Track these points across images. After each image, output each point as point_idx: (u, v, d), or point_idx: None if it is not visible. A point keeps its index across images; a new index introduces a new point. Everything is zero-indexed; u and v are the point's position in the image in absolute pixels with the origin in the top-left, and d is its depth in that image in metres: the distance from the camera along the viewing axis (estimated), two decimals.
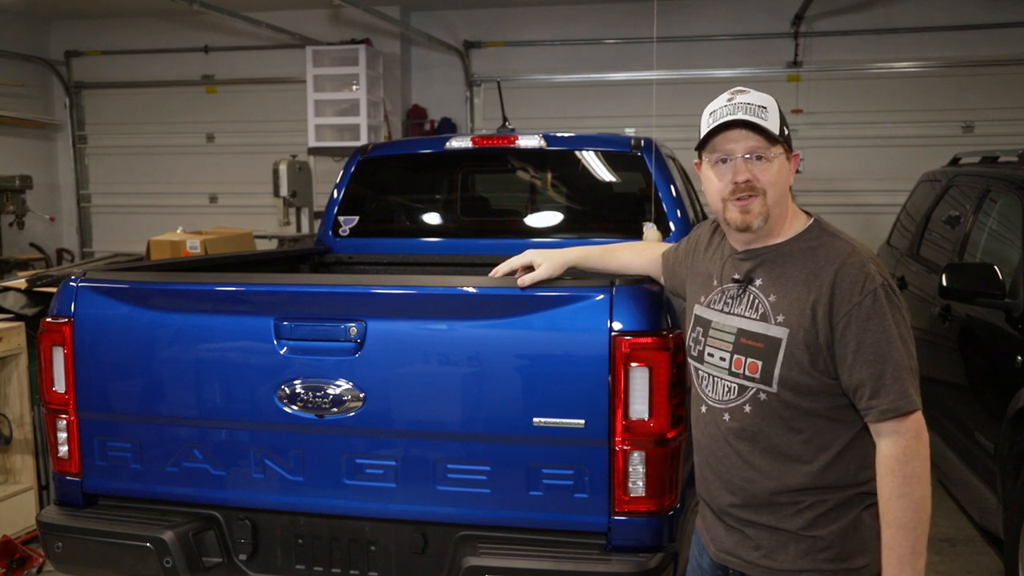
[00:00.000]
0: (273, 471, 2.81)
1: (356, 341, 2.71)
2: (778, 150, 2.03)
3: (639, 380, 2.65)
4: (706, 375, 2.16)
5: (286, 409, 2.75)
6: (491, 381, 2.64)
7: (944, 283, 4.33)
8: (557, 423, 2.59)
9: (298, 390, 2.73)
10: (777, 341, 1.99)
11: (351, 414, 2.71)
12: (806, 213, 2.15)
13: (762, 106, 2.03)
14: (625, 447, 2.66)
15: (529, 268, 2.67)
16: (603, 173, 4.89)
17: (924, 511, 1.90)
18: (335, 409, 2.71)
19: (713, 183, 2.09)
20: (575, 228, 4.88)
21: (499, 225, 5.13)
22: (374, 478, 2.74)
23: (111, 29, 9.85)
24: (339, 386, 2.71)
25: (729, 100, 2.06)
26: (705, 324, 2.18)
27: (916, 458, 1.90)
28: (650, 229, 4.23)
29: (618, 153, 4.76)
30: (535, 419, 2.60)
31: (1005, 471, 3.91)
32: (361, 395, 2.70)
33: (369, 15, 8.03)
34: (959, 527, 5.03)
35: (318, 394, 2.71)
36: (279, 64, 9.33)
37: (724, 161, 2.06)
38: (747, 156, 2.03)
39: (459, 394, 2.68)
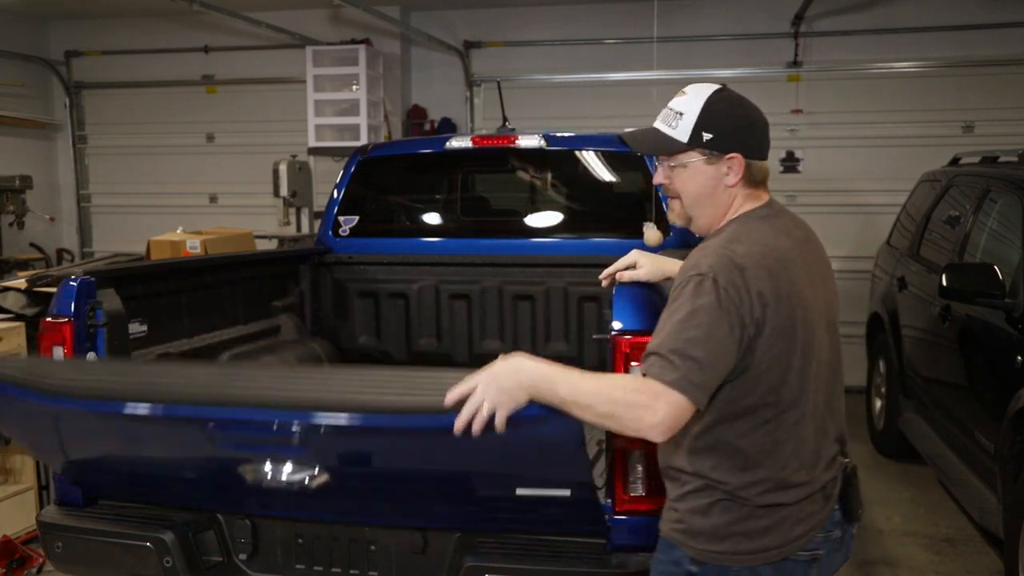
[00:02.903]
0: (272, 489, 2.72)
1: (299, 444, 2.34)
2: (689, 156, 2.13)
3: None
4: None
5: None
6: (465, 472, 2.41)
7: (944, 283, 4.33)
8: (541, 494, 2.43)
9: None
10: None
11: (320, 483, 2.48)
12: (763, 204, 2.17)
13: (679, 112, 2.14)
14: (625, 447, 2.67)
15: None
16: (603, 173, 4.89)
17: (586, 402, 1.90)
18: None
19: None
20: (575, 228, 4.89)
21: (499, 225, 5.14)
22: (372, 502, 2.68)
23: (111, 29, 9.84)
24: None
25: (669, 101, 2.19)
26: None
27: (628, 397, 1.88)
28: (650, 229, 4.22)
29: (618, 153, 4.77)
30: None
31: (1005, 471, 3.91)
32: (324, 477, 2.47)
33: (369, 15, 8.02)
34: (959, 527, 5.03)
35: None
36: (279, 64, 9.33)
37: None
38: (660, 161, 2.19)
39: (433, 486, 2.47)
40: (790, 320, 2.01)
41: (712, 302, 1.93)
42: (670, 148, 2.14)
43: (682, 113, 2.13)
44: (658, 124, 2.17)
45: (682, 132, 2.12)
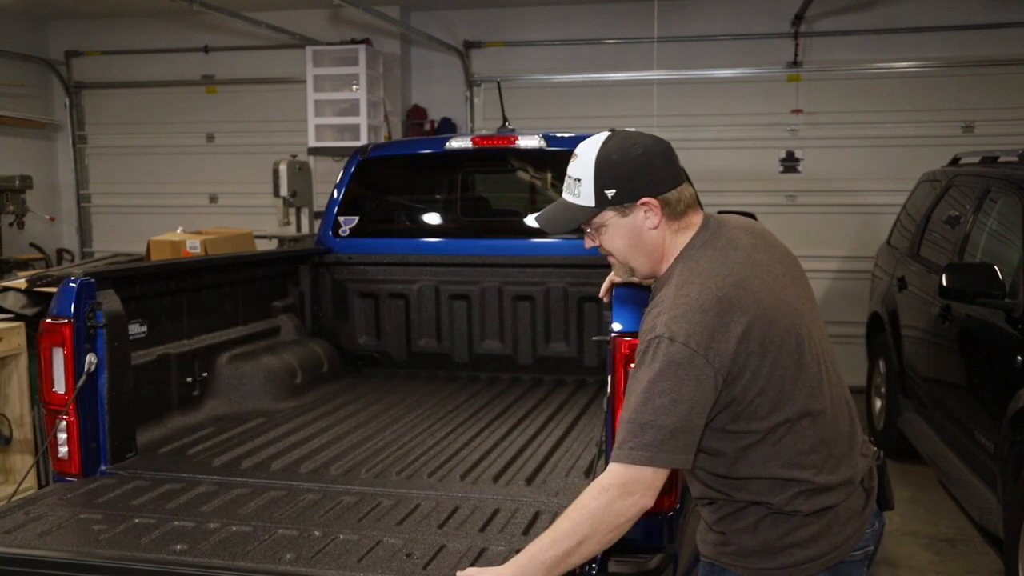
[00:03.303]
0: None
1: None
2: (604, 216, 2.11)
3: None
4: None
5: None
6: None
7: (944, 283, 4.33)
8: None
9: None
10: None
11: None
12: (700, 229, 2.13)
13: (576, 179, 2.12)
14: None
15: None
16: None
17: (574, 547, 1.91)
18: None
19: None
20: (575, 228, 4.88)
21: (499, 225, 5.14)
22: None
23: (111, 29, 9.84)
24: None
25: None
26: None
27: (604, 504, 1.90)
28: None
29: None
30: None
31: (1005, 471, 3.91)
32: None
33: (369, 15, 8.02)
34: (959, 527, 5.04)
35: None
36: (279, 64, 9.33)
37: None
38: (585, 229, 2.17)
39: None
40: (767, 336, 1.96)
41: (670, 362, 1.90)
42: (582, 217, 2.12)
43: (579, 179, 2.10)
44: (565, 196, 2.15)
45: (586, 197, 2.10)
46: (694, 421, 1.91)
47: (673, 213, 2.10)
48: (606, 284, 2.69)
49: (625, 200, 2.08)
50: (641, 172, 2.08)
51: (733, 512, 2.07)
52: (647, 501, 1.91)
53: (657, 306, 2.03)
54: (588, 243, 2.20)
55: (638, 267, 2.17)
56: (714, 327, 1.92)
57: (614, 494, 1.90)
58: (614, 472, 1.92)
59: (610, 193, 2.07)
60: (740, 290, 1.98)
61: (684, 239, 2.11)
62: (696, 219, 2.14)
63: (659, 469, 1.90)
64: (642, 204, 2.08)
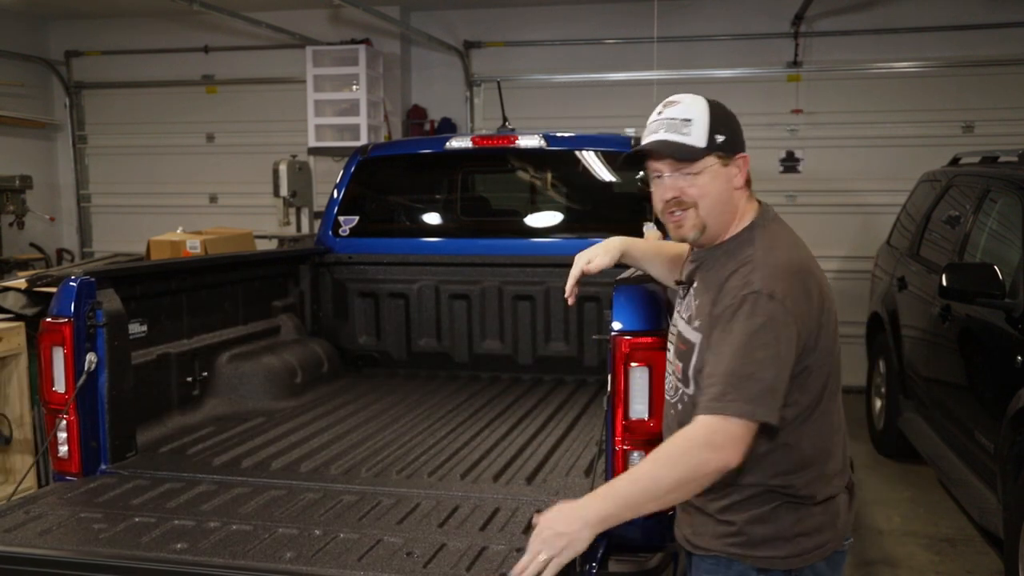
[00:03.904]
0: None
1: None
2: (707, 161, 2.07)
3: (639, 380, 2.67)
4: (668, 371, 2.28)
5: None
6: None
7: (944, 283, 4.33)
8: None
9: None
10: (693, 345, 2.09)
11: None
12: (762, 206, 2.17)
13: (686, 119, 2.07)
14: (625, 447, 2.67)
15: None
16: (603, 173, 4.89)
17: (652, 489, 1.89)
18: None
19: (655, 197, 2.17)
20: (575, 228, 4.89)
21: (499, 225, 5.14)
22: None
23: (111, 29, 9.84)
24: None
25: (659, 114, 2.13)
26: (671, 324, 2.29)
27: (693, 455, 1.88)
28: (650, 229, 4.23)
29: (618, 153, 4.77)
30: None
31: (1005, 471, 3.91)
32: None
33: (369, 15, 8.02)
34: (959, 527, 5.04)
35: None
36: (279, 64, 9.33)
37: (659, 177, 2.13)
38: (671, 174, 2.09)
39: None
40: (830, 312, 2.04)
41: (772, 318, 1.91)
42: (692, 155, 2.06)
43: (689, 119, 2.07)
44: (666, 135, 2.07)
45: (697, 137, 2.06)
46: (785, 380, 1.92)
47: (749, 180, 2.13)
48: (571, 283, 2.56)
49: (729, 150, 2.08)
50: (739, 129, 2.13)
51: (743, 500, 2.04)
52: (735, 456, 1.88)
53: (745, 264, 2.01)
54: (670, 191, 2.09)
55: (713, 224, 2.09)
56: (802, 293, 1.96)
57: (702, 445, 1.87)
58: (707, 424, 1.89)
59: (719, 138, 2.07)
60: (814, 265, 2.06)
61: (751, 208, 2.14)
62: (754, 197, 2.18)
63: (751, 424, 1.88)
64: (740, 157, 2.11)
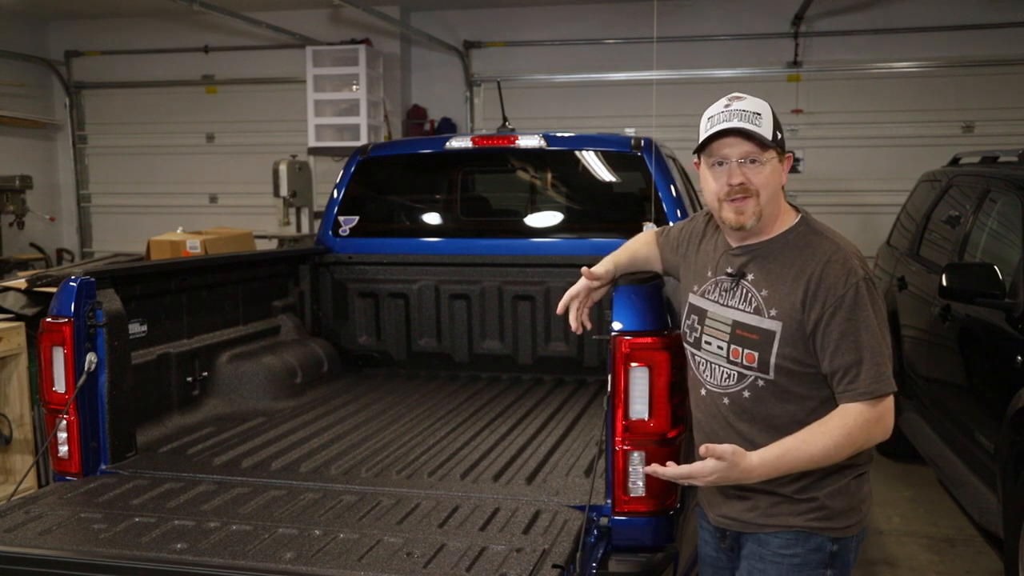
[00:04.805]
0: None
1: None
2: (771, 154, 2.20)
3: (639, 380, 2.66)
4: (703, 361, 2.33)
5: None
6: None
7: (944, 283, 4.33)
8: None
9: None
10: (771, 334, 2.18)
11: None
12: (795, 209, 2.32)
13: (756, 113, 2.20)
14: (625, 447, 2.66)
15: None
16: (603, 173, 4.89)
17: (815, 461, 2.08)
18: None
19: (710, 184, 2.26)
20: (575, 228, 4.88)
21: (499, 225, 5.14)
22: None
23: (111, 29, 9.85)
24: None
25: (726, 107, 2.22)
26: (701, 313, 2.34)
27: (865, 433, 2.10)
28: (650, 229, 4.22)
29: (618, 153, 4.77)
30: None
31: (1005, 471, 3.91)
32: None
33: (369, 15, 8.03)
34: (959, 527, 5.03)
35: None
36: (279, 64, 9.33)
37: (721, 164, 2.22)
38: (741, 160, 2.19)
39: None
40: None
41: (879, 300, 2.14)
42: (766, 144, 2.19)
43: (759, 113, 2.19)
44: (741, 124, 2.17)
45: (767, 130, 2.18)
46: None
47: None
48: (573, 311, 2.68)
49: (782, 148, 2.25)
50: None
51: (822, 477, 2.17)
52: (892, 427, 2.16)
53: (835, 254, 2.16)
54: (736, 177, 2.18)
55: (767, 215, 2.22)
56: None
57: (874, 421, 2.10)
58: (875, 403, 2.10)
59: (780, 136, 2.23)
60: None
61: (786, 205, 2.30)
62: None
63: (893, 395, 2.12)
64: (787, 157, 2.27)
